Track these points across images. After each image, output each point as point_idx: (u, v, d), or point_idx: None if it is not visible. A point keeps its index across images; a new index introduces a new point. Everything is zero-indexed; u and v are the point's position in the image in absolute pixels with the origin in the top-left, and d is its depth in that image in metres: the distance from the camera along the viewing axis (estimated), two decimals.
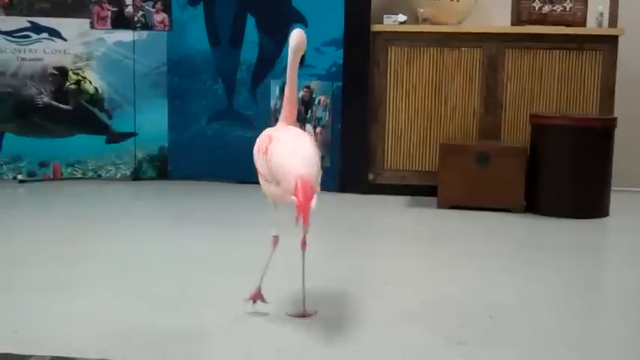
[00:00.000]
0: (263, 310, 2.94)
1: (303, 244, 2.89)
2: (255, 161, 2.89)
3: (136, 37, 6.05)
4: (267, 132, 2.92)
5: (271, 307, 2.96)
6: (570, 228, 4.71)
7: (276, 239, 2.92)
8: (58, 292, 3.18)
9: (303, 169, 2.66)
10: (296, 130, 2.93)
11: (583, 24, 5.61)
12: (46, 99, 5.98)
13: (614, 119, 5.15)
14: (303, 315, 2.90)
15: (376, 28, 5.64)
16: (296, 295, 2.96)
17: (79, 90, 6.03)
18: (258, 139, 2.91)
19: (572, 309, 3.15)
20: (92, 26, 5.99)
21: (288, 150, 2.75)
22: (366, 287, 3.36)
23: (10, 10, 5.87)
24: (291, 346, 2.64)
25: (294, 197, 2.61)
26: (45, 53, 5.94)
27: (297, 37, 2.94)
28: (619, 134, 5.17)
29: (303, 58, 3.02)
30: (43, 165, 6.03)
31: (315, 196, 2.63)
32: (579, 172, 5.01)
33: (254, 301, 2.96)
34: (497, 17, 5.92)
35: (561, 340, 2.76)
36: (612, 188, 5.15)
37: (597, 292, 3.53)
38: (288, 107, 2.98)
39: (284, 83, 5.74)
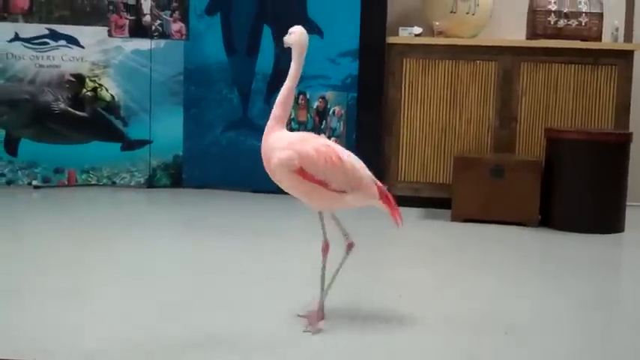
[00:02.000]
0: (275, 317, 2.94)
1: (351, 245, 2.95)
2: (316, 173, 2.78)
3: (153, 46, 6.08)
4: (313, 140, 2.84)
5: (284, 314, 2.96)
6: (585, 243, 4.70)
7: (326, 246, 2.92)
8: (71, 299, 3.19)
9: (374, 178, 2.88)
10: (320, 137, 3.00)
11: (598, 39, 5.60)
12: (62, 106, 6.02)
13: (630, 134, 5.14)
14: (319, 317, 2.89)
15: (392, 40, 5.65)
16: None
17: (96, 97, 6.07)
18: (310, 150, 2.78)
19: (588, 324, 3.14)
20: (110, 34, 6.03)
21: (355, 157, 2.88)
22: (379, 300, 3.36)
23: (29, 17, 5.91)
24: (302, 356, 2.64)
25: (381, 202, 2.88)
26: (62, 60, 5.98)
27: (302, 36, 2.90)
28: (634, 149, 5.17)
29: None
30: (58, 171, 6.06)
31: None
32: (594, 187, 5.00)
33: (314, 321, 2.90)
34: (513, 31, 5.93)
35: (577, 356, 2.75)
36: (627, 203, 5.14)
37: (613, 307, 3.51)
38: (283, 109, 2.91)
39: (299, 93, 5.82)
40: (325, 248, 2.91)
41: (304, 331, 2.81)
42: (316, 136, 2.97)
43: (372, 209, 5.50)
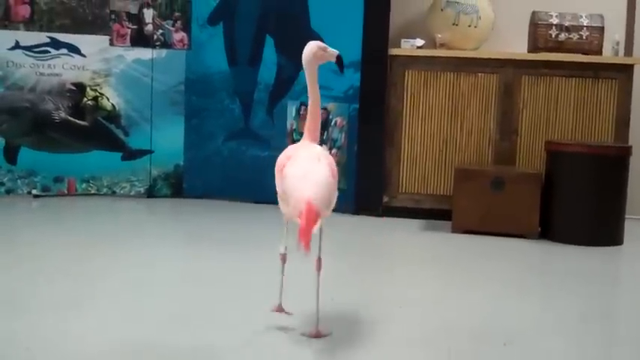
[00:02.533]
0: (275, 330, 2.93)
1: (318, 264, 2.89)
2: (276, 180, 2.89)
3: (154, 55, 6.09)
4: (288, 151, 2.94)
5: (284, 327, 2.96)
6: (584, 255, 4.70)
7: (283, 257, 2.97)
8: (70, 310, 3.18)
9: (312, 193, 2.66)
10: (316, 151, 2.90)
11: (599, 52, 5.63)
12: (63, 114, 6.02)
13: (630, 147, 5.15)
14: (317, 335, 2.89)
15: (394, 51, 5.67)
16: (311, 316, 2.95)
17: (97, 106, 6.07)
18: (278, 158, 2.92)
19: (587, 337, 3.14)
20: (111, 43, 6.04)
21: (301, 172, 2.75)
22: (380, 311, 3.35)
23: (30, 25, 5.92)
24: None
25: (298, 220, 2.63)
26: (63, 69, 5.98)
27: (305, 52, 2.97)
28: (634, 162, 5.18)
29: (341, 60, 3.04)
30: (57, 180, 6.06)
31: (318, 222, 2.61)
32: (594, 200, 5.01)
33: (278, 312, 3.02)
34: (514, 44, 5.95)
35: None
36: (627, 216, 5.15)
37: (612, 320, 3.52)
38: (310, 122, 2.99)
39: (301, 104, 5.84)
40: (283, 258, 2.98)
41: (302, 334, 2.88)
42: (306, 145, 2.96)
43: (381, 223, 5.52)
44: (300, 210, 2.62)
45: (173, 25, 6.09)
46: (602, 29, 5.63)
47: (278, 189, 2.86)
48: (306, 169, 2.77)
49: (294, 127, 5.90)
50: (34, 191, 6.00)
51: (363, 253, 4.60)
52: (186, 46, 6.11)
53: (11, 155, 5.99)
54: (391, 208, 5.70)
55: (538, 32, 5.65)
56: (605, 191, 5.03)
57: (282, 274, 2.99)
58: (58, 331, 2.89)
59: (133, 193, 6.17)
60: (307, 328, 2.93)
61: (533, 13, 5.71)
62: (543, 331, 3.15)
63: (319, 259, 2.90)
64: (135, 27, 6.06)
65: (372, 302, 3.50)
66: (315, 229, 2.58)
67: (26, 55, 5.93)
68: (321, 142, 5.80)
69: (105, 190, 6.15)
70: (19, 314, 3.10)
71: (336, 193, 2.84)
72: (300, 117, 5.88)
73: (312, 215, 2.59)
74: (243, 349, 2.78)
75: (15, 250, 4.35)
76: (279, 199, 2.88)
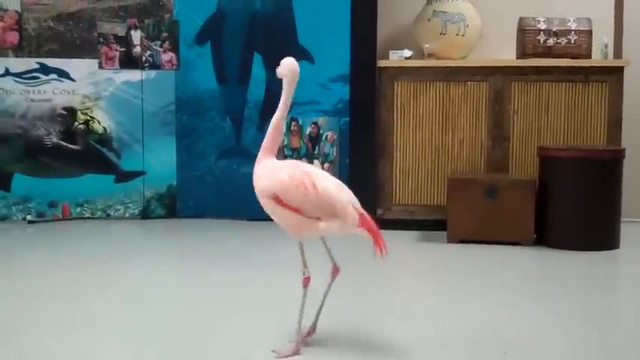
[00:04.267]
0: (272, 346, 2.92)
1: (336, 270, 2.95)
2: (289, 200, 2.80)
3: (144, 77, 6.09)
4: (289, 169, 2.87)
5: (281, 345, 2.94)
6: (581, 260, 4.69)
7: (307, 280, 2.88)
8: (67, 332, 3.17)
9: (356, 202, 2.79)
10: (304, 163, 2.96)
11: (588, 56, 5.62)
12: (54, 139, 6.01)
13: (623, 150, 5.14)
14: (308, 333, 2.95)
15: (382, 63, 5.66)
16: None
17: (88, 130, 6.06)
18: (284, 177, 2.82)
19: (586, 342, 3.13)
20: (100, 66, 6.04)
21: (337, 184, 2.82)
22: (378, 323, 3.35)
23: (19, 51, 5.92)
24: None
25: (361, 229, 2.74)
26: (54, 94, 5.98)
27: (294, 65, 2.95)
28: (627, 165, 5.17)
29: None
30: (52, 205, 6.05)
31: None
32: (589, 204, 5.00)
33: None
34: (503, 51, 5.95)
35: None
36: (622, 219, 5.13)
37: (610, 325, 3.50)
38: (272, 139, 2.97)
39: (292, 120, 5.83)
40: (305, 281, 2.88)
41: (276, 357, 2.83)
42: (300, 163, 2.98)
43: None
44: (358, 219, 2.74)
45: (161, 46, 6.09)
46: (590, 32, 5.63)
47: (306, 206, 2.78)
48: (334, 180, 2.85)
49: (285, 143, 5.89)
50: (28, 217, 5.98)
51: (358, 266, 4.58)
52: (174, 67, 6.11)
53: (5, 182, 5.99)
54: (385, 220, 5.67)
55: (526, 38, 5.65)
56: (599, 195, 5.02)
57: (304, 299, 2.89)
58: (56, 355, 2.89)
59: (127, 215, 6.16)
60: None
61: (521, 19, 5.71)
62: (542, 338, 3.14)
63: (335, 266, 2.95)
64: (123, 49, 6.06)
65: (369, 315, 3.50)
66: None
67: (16, 81, 5.93)
68: (312, 157, 5.79)
69: (99, 213, 6.14)
70: (16, 338, 3.10)
71: None
72: (292, 132, 5.87)
73: (373, 223, 2.77)
74: None
75: (11, 276, 4.34)
76: (294, 220, 2.82)
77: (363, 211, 2.77)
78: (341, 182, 2.86)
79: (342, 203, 2.75)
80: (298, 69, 2.96)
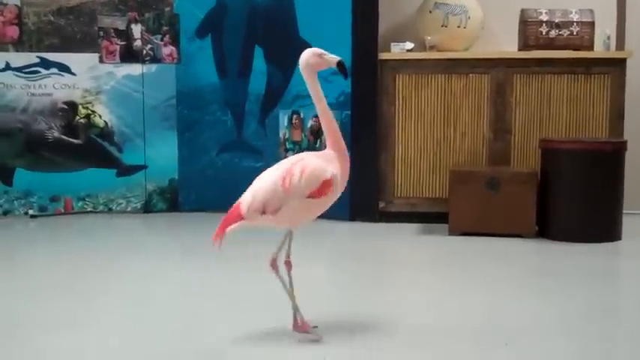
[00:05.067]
0: (275, 340, 2.92)
1: (288, 264, 2.98)
2: None
3: (144, 71, 6.08)
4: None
5: (283, 336, 2.94)
6: (583, 252, 4.68)
7: (274, 263, 2.98)
8: (70, 327, 3.18)
9: (244, 196, 2.90)
10: (296, 160, 2.95)
11: (590, 48, 5.60)
12: (56, 134, 6.01)
13: (625, 142, 5.13)
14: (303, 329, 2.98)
15: (384, 56, 5.65)
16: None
17: (89, 124, 6.06)
18: None
19: (588, 334, 3.12)
20: (101, 60, 6.04)
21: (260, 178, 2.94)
22: (380, 315, 3.34)
23: (20, 46, 5.91)
24: None
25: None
26: (54, 88, 5.98)
27: (300, 60, 2.95)
28: (630, 157, 5.15)
29: (342, 66, 2.99)
30: (54, 200, 6.05)
31: (238, 223, 2.90)
32: (590, 196, 4.98)
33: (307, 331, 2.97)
34: (505, 43, 5.94)
35: None
36: (624, 211, 5.12)
37: (612, 316, 3.49)
38: (325, 132, 3.00)
39: (293, 113, 5.83)
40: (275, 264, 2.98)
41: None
42: (309, 154, 3.00)
43: (377, 228, 5.51)
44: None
45: (162, 40, 6.08)
46: (592, 24, 5.61)
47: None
48: (261, 176, 2.92)
49: (286, 136, 5.89)
50: (30, 211, 5.99)
51: (360, 259, 4.59)
52: (175, 60, 6.11)
53: (7, 176, 5.99)
54: (387, 213, 5.68)
55: (528, 30, 5.63)
56: (601, 187, 5.00)
57: (291, 285, 2.96)
58: (59, 349, 2.89)
59: (129, 209, 6.16)
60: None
61: (522, 10, 5.70)
62: (544, 330, 3.13)
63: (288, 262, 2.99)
64: (124, 43, 6.05)
65: (371, 306, 3.49)
66: (232, 228, 2.90)
67: (17, 76, 5.92)
68: (314, 150, 5.78)
69: (101, 207, 6.14)
70: (19, 333, 3.10)
71: (289, 202, 2.85)
72: (293, 126, 5.87)
73: (232, 214, 2.89)
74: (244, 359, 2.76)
75: (14, 270, 4.34)
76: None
77: (237, 203, 2.91)
78: (269, 176, 2.90)
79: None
80: (308, 59, 2.95)
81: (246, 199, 2.86)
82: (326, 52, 2.97)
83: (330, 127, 2.95)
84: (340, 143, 2.98)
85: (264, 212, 2.85)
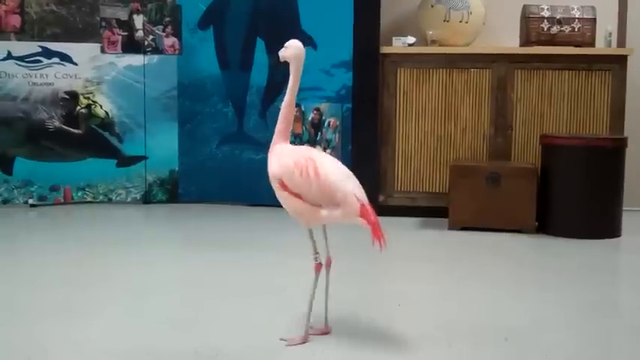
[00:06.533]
0: (276, 332, 2.92)
1: (329, 262, 2.90)
2: (292, 186, 2.78)
3: (146, 61, 6.08)
4: (292, 153, 2.84)
5: (282, 331, 2.95)
6: (582, 248, 4.69)
7: (319, 266, 2.86)
8: (69, 317, 3.18)
9: (359, 192, 2.71)
10: (318, 151, 2.92)
11: (592, 44, 5.61)
12: (57, 123, 6.01)
13: (625, 139, 5.14)
14: (323, 332, 2.93)
15: (385, 50, 5.65)
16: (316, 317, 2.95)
17: (90, 114, 6.06)
18: (290, 163, 2.79)
19: (587, 330, 3.13)
20: (103, 51, 6.03)
21: (342, 172, 2.77)
22: (379, 310, 3.35)
23: (22, 35, 5.91)
24: None
25: (362, 219, 2.65)
26: (56, 78, 5.97)
27: (299, 48, 2.91)
28: (630, 154, 5.16)
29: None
30: (53, 189, 6.05)
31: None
32: (591, 192, 4.99)
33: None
34: (506, 38, 5.94)
35: None
36: (624, 208, 5.13)
37: (611, 312, 3.50)
38: (284, 122, 2.91)
39: (295, 105, 5.80)
40: (318, 268, 2.86)
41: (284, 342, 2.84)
42: (309, 148, 2.96)
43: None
44: (359, 208, 2.66)
45: (163, 31, 6.07)
46: (594, 20, 5.61)
47: (307, 194, 2.76)
48: (342, 168, 2.79)
49: None
50: (30, 201, 5.99)
51: (360, 252, 4.58)
52: (177, 51, 6.10)
53: (7, 165, 5.98)
54: (387, 207, 5.68)
55: (530, 26, 5.63)
56: (601, 183, 5.01)
57: (314, 289, 2.87)
58: (59, 339, 2.89)
59: (129, 199, 6.17)
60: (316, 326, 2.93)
61: (524, 6, 5.70)
62: (544, 325, 3.14)
63: (329, 258, 2.91)
64: (125, 33, 6.05)
65: (370, 301, 3.50)
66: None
67: (18, 65, 5.92)
68: (314, 143, 5.79)
69: (101, 197, 6.14)
70: (19, 322, 3.10)
71: None
72: (294, 119, 5.86)
73: (373, 210, 2.69)
74: (244, 352, 2.77)
75: (13, 259, 4.35)
76: (297, 204, 2.79)
77: (365, 201, 2.70)
78: (348, 171, 2.80)
79: (342, 192, 2.70)
80: (301, 51, 2.90)
81: (363, 198, 2.72)
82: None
83: (289, 119, 2.93)
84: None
85: None
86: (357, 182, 2.77)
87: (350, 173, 2.79)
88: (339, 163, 2.84)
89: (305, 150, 2.91)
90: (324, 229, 2.91)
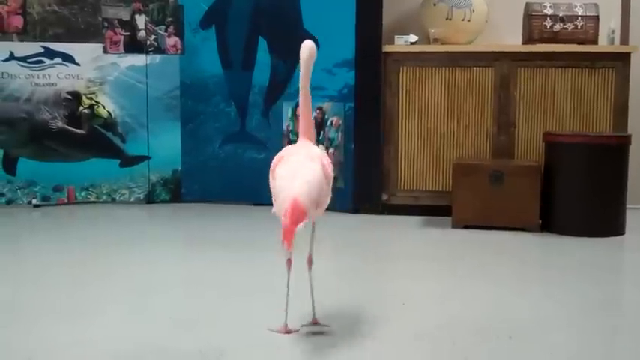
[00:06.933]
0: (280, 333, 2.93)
1: (309, 262, 2.95)
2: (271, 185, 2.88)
3: (148, 61, 6.08)
4: (281, 152, 2.93)
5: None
6: (586, 247, 4.68)
7: (289, 262, 2.90)
8: (73, 316, 3.18)
9: (300, 191, 2.65)
10: (312, 150, 2.89)
11: (595, 42, 5.60)
12: (59, 124, 6.01)
13: (629, 136, 5.12)
14: (313, 322, 2.99)
15: (387, 48, 5.64)
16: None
17: (93, 114, 6.07)
18: (273, 159, 2.91)
19: (591, 329, 3.13)
20: (105, 51, 6.03)
21: (291, 172, 2.75)
22: (383, 308, 3.35)
23: (24, 36, 5.91)
24: None
25: (283, 218, 2.61)
26: (58, 78, 5.98)
27: (307, 48, 2.93)
28: (633, 151, 5.15)
29: None
30: (57, 189, 6.05)
31: (304, 220, 2.60)
32: (594, 190, 4.98)
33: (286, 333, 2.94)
34: (509, 36, 5.93)
35: (581, 359, 2.73)
36: (628, 206, 5.12)
37: (615, 311, 3.50)
38: (304, 122, 2.96)
39: (297, 105, 5.80)
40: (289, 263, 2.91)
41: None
42: (303, 145, 2.94)
43: (380, 221, 5.51)
44: (285, 208, 2.62)
45: (166, 31, 6.08)
46: (597, 18, 5.60)
47: (272, 190, 2.86)
48: (296, 169, 2.76)
49: (290, 128, 5.89)
50: (34, 201, 5.99)
51: (364, 251, 4.59)
52: (179, 51, 6.10)
53: (10, 166, 5.99)
54: (390, 205, 5.68)
55: (532, 24, 5.62)
56: (605, 181, 5.00)
57: (288, 286, 2.91)
58: (62, 339, 2.89)
59: (132, 199, 6.17)
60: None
61: (527, 4, 5.69)
62: (548, 324, 3.13)
63: (310, 256, 2.95)
64: (128, 34, 6.05)
65: (374, 300, 3.50)
66: (301, 226, 2.58)
67: (21, 65, 5.92)
68: (318, 142, 5.78)
69: (104, 197, 6.15)
70: (22, 322, 3.10)
71: (329, 194, 2.84)
72: (296, 118, 5.87)
73: (297, 212, 2.60)
74: (247, 351, 2.77)
75: (17, 259, 4.36)
76: (273, 200, 2.84)
77: (298, 204, 2.61)
78: (305, 171, 2.74)
79: (276, 190, 2.75)
80: (307, 50, 2.93)
81: (303, 194, 2.65)
82: None
83: (307, 115, 2.96)
84: (313, 132, 2.99)
85: (317, 207, 2.74)
86: (308, 185, 2.70)
87: (304, 174, 2.73)
88: (307, 161, 2.81)
89: (290, 148, 2.95)
90: (313, 227, 2.92)
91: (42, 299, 3.45)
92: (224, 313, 3.25)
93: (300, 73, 2.94)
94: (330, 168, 2.86)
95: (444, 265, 4.27)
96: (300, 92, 2.96)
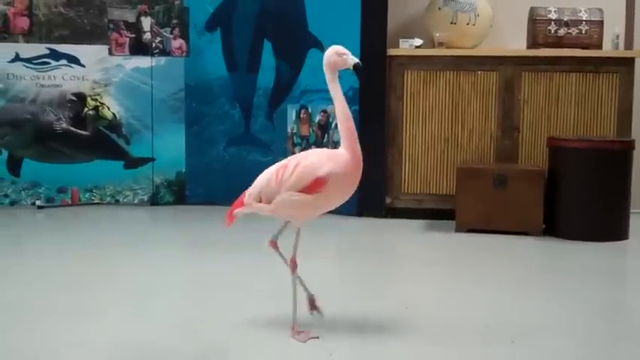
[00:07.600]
0: (281, 332, 2.93)
1: (293, 265, 3.01)
2: None
3: (153, 63, 6.09)
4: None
5: (289, 330, 2.95)
6: (590, 251, 4.68)
7: (293, 263, 2.99)
8: (76, 317, 3.19)
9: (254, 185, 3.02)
10: (301, 154, 2.99)
11: (599, 46, 5.60)
12: (64, 125, 6.02)
13: (632, 141, 5.12)
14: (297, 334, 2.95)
15: (392, 52, 5.65)
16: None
17: (97, 116, 6.08)
18: None
19: (594, 333, 3.13)
20: (110, 52, 6.05)
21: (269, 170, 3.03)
22: (386, 312, 3.34)
23: (30, 37, 5.92)
24: None
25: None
26: (63, 79, 5.99)
27: (325, 57, 2.98)
28: (637, 156, 5.15)
29: (358, 69, 3.03)
30: (61, 191, 6.06)
31: (242, 208, 3.08)
32: (598, 195, 4.98)
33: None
34: (513, 40, 5.94)
35: None
36: (631, 211, 5.12)
37: (619, 315, 3.50)
38: (344, 134, 2.95)
39: (301, 107, 5.83)
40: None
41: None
42: (314, 152, 3.01)
43: (384, 224, 5.51)
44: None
45: (171, 33, 6.09)
46: (601, 23, 5.61)
47: None
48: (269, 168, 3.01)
49: (294, 130, 5.90)
50: (38, 202, 6.00)
51: (367, 254, 4.59)
52: (184, 53, 6.12)
53: (15, 167, 6.00)
54: (394, 209, 5.69)
55: (537, 28, 5.63)
56: (608, 186, 5.00)
57: (294, 288, 2.98)
58: (65, 340, 2.90)
59: (136, 201, 6.18)
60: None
61: (532, 9, 5.70)
62: (551, 328, 3.13)
63: (293, 259, 3.01)
64: (133, 35, 6.06)
65: (377, 303, 3.49)
66: (237, 212, 3.11)
67: (26, 67, 5.94)
68: (321, 145, 5.79)
69: (108, 199, 6.15)
70: (26, 323, 3.10)
71: (283, 196, 2.88)
72: (301, 120, 5.87)
73: (238, 201, 3.09)
74: (250, 352, 2.78)
75: (21, 260, 4.36)
76: None
77: (242, 195, 3.09)
78: (279, 169, 2.94)
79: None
80: (329, 57, 3.01)
81: (250, 188, 3.04)
82: (347, 52, 2.95)
83: (344, 127, 2.92)
84: (353, 145, 2.91)
85: (260, 200, 2.98)
86: (261, 180, 3.00)
87: (268, 169, 3.00)
88: (293, 161, 2.93)
89: (309, 153, 3.00)
90: (298, 232, 3.01)
91: (45, 300, 3.45)
92: (228, 315, 3.25)
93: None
94: (297, 176, 2.85)
95: (446, 269, 4.27)
96: (334, 100, 2.99)
